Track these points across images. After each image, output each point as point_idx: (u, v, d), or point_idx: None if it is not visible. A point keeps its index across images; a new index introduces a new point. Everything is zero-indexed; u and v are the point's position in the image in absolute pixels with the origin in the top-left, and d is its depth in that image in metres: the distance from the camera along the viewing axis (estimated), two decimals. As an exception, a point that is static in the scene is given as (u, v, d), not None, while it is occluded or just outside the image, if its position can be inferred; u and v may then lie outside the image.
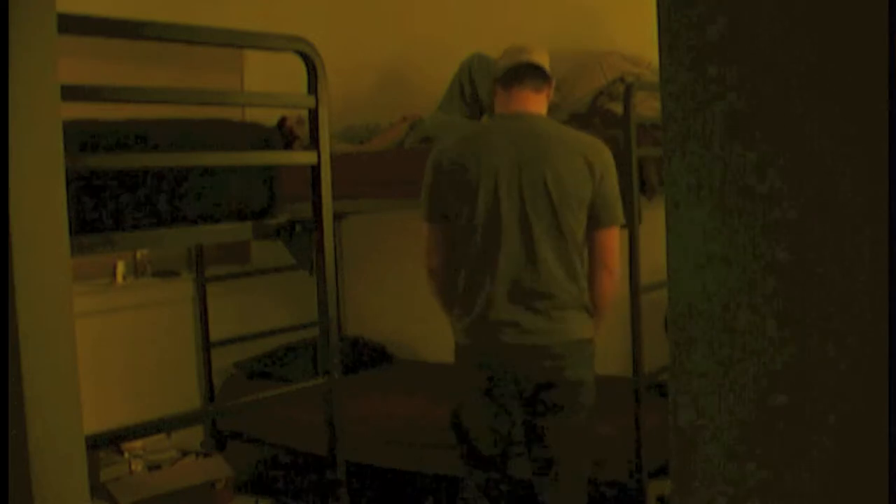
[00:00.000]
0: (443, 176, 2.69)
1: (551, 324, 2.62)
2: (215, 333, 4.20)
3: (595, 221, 2.66)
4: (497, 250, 2.61)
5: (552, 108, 3.88)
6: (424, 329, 4.34)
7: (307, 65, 2.43)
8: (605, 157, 2.66)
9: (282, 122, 3.96)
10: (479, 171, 2.61)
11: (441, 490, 3.71)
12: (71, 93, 1.75)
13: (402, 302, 4.67)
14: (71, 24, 1.78)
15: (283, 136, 3.48)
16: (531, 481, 2.82)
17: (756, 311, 0.75)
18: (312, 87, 2.44)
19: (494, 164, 2.61)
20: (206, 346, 4.19)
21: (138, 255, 4.08)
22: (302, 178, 2.57)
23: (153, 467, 3.28)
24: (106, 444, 2.35)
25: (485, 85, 3.92)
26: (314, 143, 2.47)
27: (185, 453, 3.41)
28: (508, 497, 2.82)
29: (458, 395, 2.77)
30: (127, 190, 2.17)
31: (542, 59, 2.74)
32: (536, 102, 2.74)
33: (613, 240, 2.70)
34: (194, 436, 4.04)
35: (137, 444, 3.30)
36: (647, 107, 3.27)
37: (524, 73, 2.71)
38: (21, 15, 1.43)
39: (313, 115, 2.46)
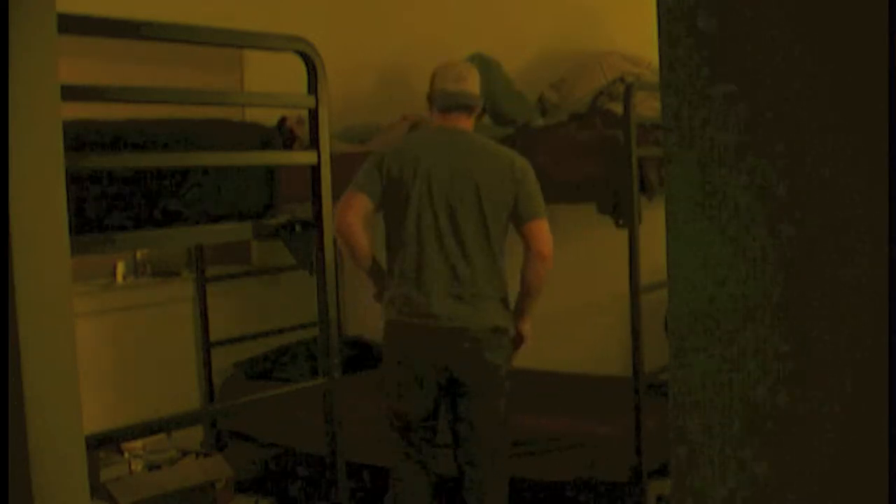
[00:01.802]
0: (383, 174, 2.98)
1: (474, 311, 2.94)
2: (215, 333, 4.20)
3: (525, 216, 2.98)
4: (432, 246, 2.93)
5: (552, 109, 3.90)
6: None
7: (307, 65, 2.43)
8: (524, 164, 3.03)
9: (282, 122, 3.96)
10: (415, 174, 2.94)
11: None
12: (71, 93, 1.75)
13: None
14: (71, 24, 1.77)
15: (283, 136, 3.48)
16: (457, 475, 3.09)
17: (756, 310, 0.75)
18: (312, 87, 2.44)
19: (429, 170, 2.94)
20: (206, 346, 4.19)
21: (138, 255, 4.07)
22: (302, 178, 2.57)
23: (153, 467, 3.27)
24: (106, 444, 2.35)
25: (485, 85, 3.92)
26: (314, 143, 2.47)
27: (185, 453, 3.41)
28: (436, 486, 3.10)
29: (387, 373, 3.07)
30: (127, 190, 2.17)
31: (475, 85, 3.09)
32: (467, 122, 3.10)
33: (543, 229, 2.99)
34: (194, 436, 4.04)
35: (137, 444, 3.30)
36: (647, 107, 3.28)
37: (461, 101, 3.06)
38: (21, 15, 1.43)
39: (313, 115, 2.46)
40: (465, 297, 2.93)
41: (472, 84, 3.07)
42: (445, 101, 3.04)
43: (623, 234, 3.17)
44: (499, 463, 3.04)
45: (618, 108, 3.38)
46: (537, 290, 3.02)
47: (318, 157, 2.46)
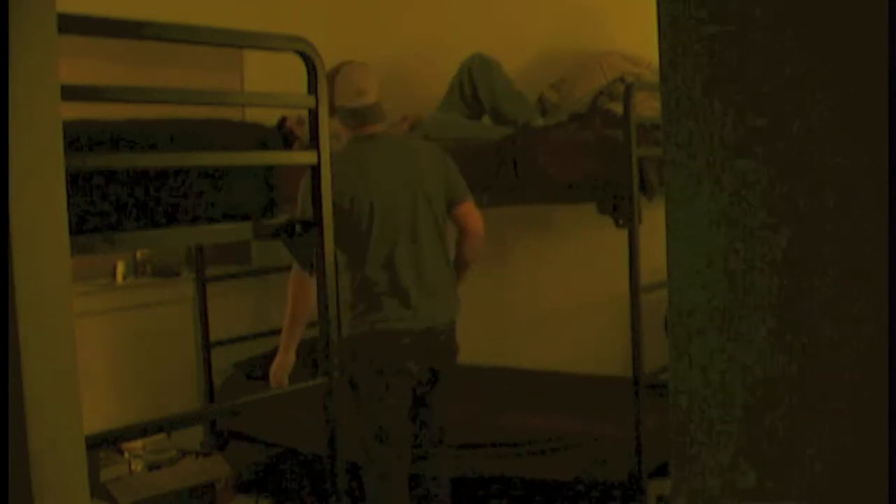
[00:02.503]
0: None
1: (444, 308, 3.09)
2: (215, 333, 4.20)
3: (456, 200, 3.12)
4: (397, 252, 2.99)
5: (552, 109, 3.90)
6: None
7: (307, 65, 2.43)
8: (445, 156, 3.17)
9: (282, 122, 3.96)
10: (363, 191, 2.96)
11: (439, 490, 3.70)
12: (71, 93, 1.75)
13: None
14: (71, 24, 1.77)
15: (283, 136, 3.48)
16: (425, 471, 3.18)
17: (756, 310, 0.75)
18: (312, 87, 2.44)
19: (376, 182, 2.98)
20: (206, 346, 4.19)
21: (138, 255, 4.07)
22: (302, 178, 2.57)
23: (153, 467, 3.28)
24: (106, 444, 2.35)
25: (485, 85, 3.93)
26: (314, 143, 2.47)
27: (185, 453, 3.41)
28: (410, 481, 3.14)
29: (365, 387, 3.03)
30: (127, 190, 2.17)
31: (375, 90, 3.08)
32: (382, 126, 3.15)
33: (473, 209, 3.15)
34: (194, 436, 4.04)
35: (137, 444, 3.30)
36: (647, 107, 3.28)
37: (368, 117, 3.06)
38: (21, 15, 1.43)
39: (313, 115, 2.45)
40: (434, 295, 3.04)
41: (373, 93, 3.07)
42: (353, 120, 3.05)
43: (623, 234, 3.17)
44: (446, 437, 3.17)
45: (618, 108, 3.38)
46: (474, 262, 3.21)
47: (318, 157, 2.46)
